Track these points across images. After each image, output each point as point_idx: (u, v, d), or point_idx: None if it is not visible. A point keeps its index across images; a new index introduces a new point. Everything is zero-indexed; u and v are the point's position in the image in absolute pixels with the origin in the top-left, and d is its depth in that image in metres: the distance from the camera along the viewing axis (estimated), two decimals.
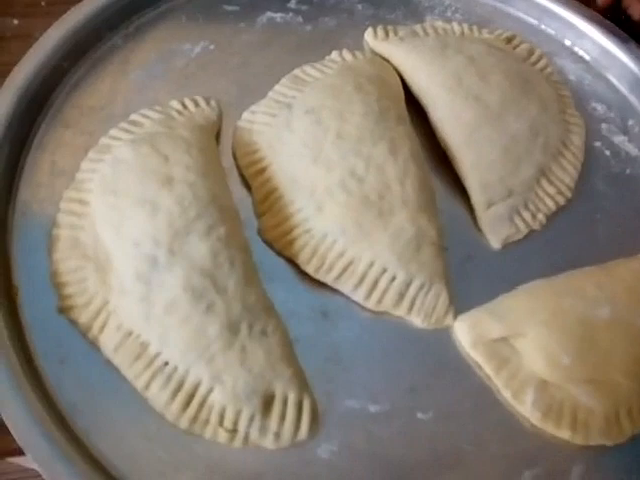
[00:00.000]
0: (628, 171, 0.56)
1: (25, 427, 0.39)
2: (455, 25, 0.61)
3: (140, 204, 0.43)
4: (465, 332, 0.45)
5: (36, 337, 0.43)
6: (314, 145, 0.49)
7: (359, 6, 0.62)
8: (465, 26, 0.61)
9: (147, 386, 0.41)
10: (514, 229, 0.50)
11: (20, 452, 0.40)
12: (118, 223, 0.44)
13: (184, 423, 0.40)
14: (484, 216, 0.50)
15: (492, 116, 0.52)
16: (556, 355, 0.43)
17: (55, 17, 0.55)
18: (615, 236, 0.52)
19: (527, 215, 0.51)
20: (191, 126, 0.49)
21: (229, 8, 0.60)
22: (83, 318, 0.43)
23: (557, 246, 0.51)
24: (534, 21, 0.63)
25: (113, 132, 0.50)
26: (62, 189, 0.48)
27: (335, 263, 0.46)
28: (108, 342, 0.42)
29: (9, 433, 0.39)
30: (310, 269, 0.46)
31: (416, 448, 0.42)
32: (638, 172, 0.56)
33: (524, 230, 0.50)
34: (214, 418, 0.40)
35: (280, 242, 0.47)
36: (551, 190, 0.52)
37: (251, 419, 0.40)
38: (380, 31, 0.59)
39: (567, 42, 0.63)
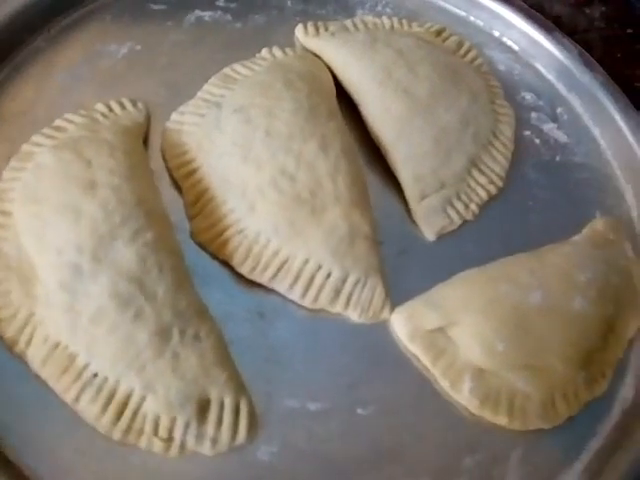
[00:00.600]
0: (558, 158, 0.57)
1: None
2: (385, 19, 0.61)
3: (62, 211, 0.42)
4: (402, 325, 0.46)
5: None
6: (244, 144, 0.48)
7: (289, 2, 0.62)
8: (395, 20, 0.61)
9: (77, 399, 0.40)
10: (447, 220, 0.50)
11: None
12: (41, 232, 0.42)
13: (117, 434, 0.39)
14: (418, 209, 0.50)
15: (422, 108, 0.52)
16: (491, 342, 0.43)
17: None
18: (547, 222, 0.53)
19: (460, 206, 0.51)
20: (116, 129, 0.48)
21: (156, 7, 0.59)
22: (9, 332, 0.41)
23: (490, 235, 0.51)
24: (463, 13, 0.64)
25: (35, 138, 0.48)
26: None
27: (270, 263, 0.46)
28: (35, 355, 0.41)
29: None
30: (245, 270, 0.46)
31: (357, 444, 0.42)
32: (568, 159, 0.57)
33: (457, 221, 0.51)
34: (148, 428, 0.39)
35: (213, 244, 0.47)
36: (483, 180, 0.52)
37: (186, 426, 0.40)
38: (310, 27, 0.59)
39: (496, 33, 0.63)
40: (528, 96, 0.60)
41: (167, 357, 0.40)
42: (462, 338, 0.44)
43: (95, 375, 0.40)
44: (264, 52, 0.56)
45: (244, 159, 0.48)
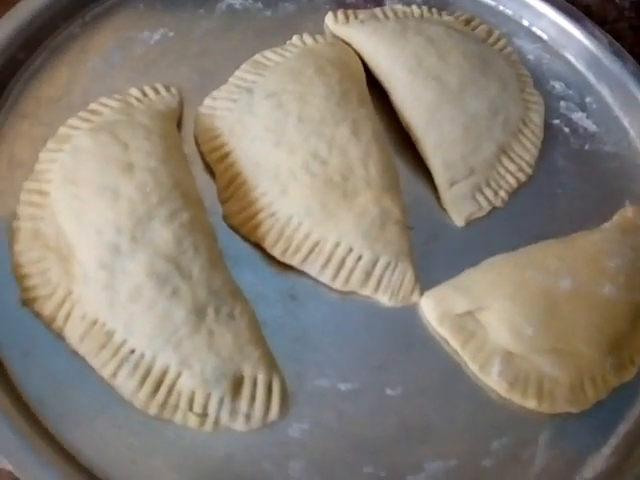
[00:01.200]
0: (587, 147, 0.57)
1: None
2: (415, 8, 0.61)
3: (101, 192, 0.43)
4: (431, 308, 0.46)
5: (0, 330, 0.42)
6: (276, 128, 0.49)
7: None
8: (424, 9, 0.61)
9: (114, 374, 0.40)
10: (477, 206, 0.51)
11: None
12: (79, 212, 0.43)
13: (153, 409, 0.40)
14: (447, 195, 0.51)
15: (452, 96, 0.52)
16: (520, 327, 0.44)
17: (8, 7, 0.54)
18: (575, 210, 0.53)
19: (489, 192, 0.51)
20: (151, 113, 0.49)
21: None
22: (47, 309, 0.42)
23: (519, 222, 0.51)
24: (492, 2, 0.64)
25: (72, 121, 0.49)
26: (22, 181, 0.47)
27: (301, 245, 0.46)
28: (73, 332, 0.41)
29: None
30: (276, 252, 0.46)
31: (386, 424, 0.43)
32: (597, 147, 0.57)
33: (486, 207, 0.51)
34: (183, 403, 0.40)
35: (245, 227, 0.47)
36: (512, 167, 0.52)
37: (221, 402, 0.40)
38: (340, 15, 0.59)
39: (525, 22, 0.63)
40: (557, 85, 0.60)
41: (203, 334, 0.41)
42: (491, 322, 0.45)
43: (132, 351, 0.41)
44: (295, 39, 0.57)
45: (276, 143, 0.48)
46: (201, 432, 0.40)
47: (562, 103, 0.59)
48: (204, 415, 0.40)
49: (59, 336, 0.42)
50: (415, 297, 0.47)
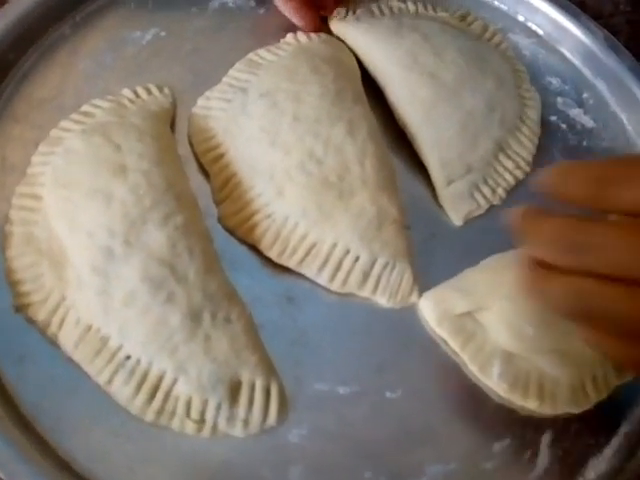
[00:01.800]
0: (585, 143, 0.56)
1: None
2: (410, 4, 0.60)
3: (93, 195, 0.42)
4: (430, 309, 0.45)
5: None
6: (271, 128, 0.48)
7: None
8: (420, 5, 0.60)
9: (110, 381, 0.40)
10: (475, 205, 0.50)
11: None
12: (72, 215, 0.42)
13: (150, 416, 0.39)
14: (444, 193, 0.50)
15: (448, 93, 0.52)
16: (520, 327, 0.43)
17: None
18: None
19: (487, 190, 0.51)
20: (144, 114, 0.48)
21: None
22: (41, 315, 0.42)
23: None
24: None
25: (64, 124, 0.48)
26: (14, 185, 0.46)
27: (298, 247, 0.46)
28: (67, 338, 0.41)
29: None
30: (273, 254, 0.46)
31: (386, 427, 0.42)
32: (595, 143, 0.57)
33: (484, 205, 0.50)
34: (180, 409, 0.40)
35: (241, 229, 0.47)
36: (509, 165, 0.52)
37: (218, 408, 0.40)
38: (340, 10, 0.58)
39: (520, 17, 0.63)
40: (554, 81, 0.60)
41: (199, 339, 0.40)
42: (491, 322, 0.44)
43: (128, 357, 0.40)
44: (289, 37, 0.56)
45: (272, 143, 0.48)
46: (199, 438, 0.40)
47: (559, 99, 0.59)
48: (201, 421, 0.40)
49: (53, 342, 0.41)
50: (414, 298, 0.46)
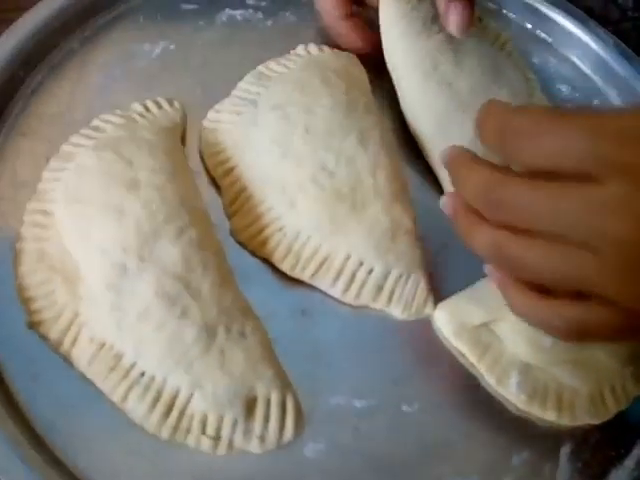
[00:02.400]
0: None
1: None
2: None
3: (106, 211, 0.42)
4: (446, 320, 0.45)
5: (5, 355, 0.41)
6: (282, 141, 0.48)
7: None
8: None
9: (124, 398, 0.39)
10: None
11: None
12: (84, 232, 0.42)
13: (165, 433, 0.39)
14: None
15: (462, 103, 0.51)
16: (537, 337, 0.43)
17: (7, 24, 0.53)
18: None
19: None
20: (155, 128, 0.48)
21: (187, 7, 0.59)
22: (54, 332, 0.41)
23: None
24: (495, 6, 0.63)
25: (74, 139, 0.48)
26: (25, 201, 0.46)
27: (311, 259, 0.45)
28: (81, 355, 0.41)
29: None
30: (285, 267, 0.46)
31: (404, 441, 0.42)
32: None
33: None
34: (196, 426, 0.39)
35: (253, 242, 0.46)
36: None
37: (234, 424, 0.39)
38: None
39: (528, 25, 0.63)
40: (564, 88, 0.59)
41: (214, 354, 0.40)
42: (507, 334, 0.44)
43: (142, 374, 0.40)
44: (299, 49, 0.56)
45: (283, 156, 0.47)
46: (215, 455, 0.39)
47: (569, 107, 0.58)
48: (217, 438, 0.39)
49: (67, 359, 0.41)
50: (428, 309, 0.46)
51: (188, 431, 0.39)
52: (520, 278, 0.36)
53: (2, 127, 0.50)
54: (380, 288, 0.45)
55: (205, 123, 0.51)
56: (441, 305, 0.46)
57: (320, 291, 0.46)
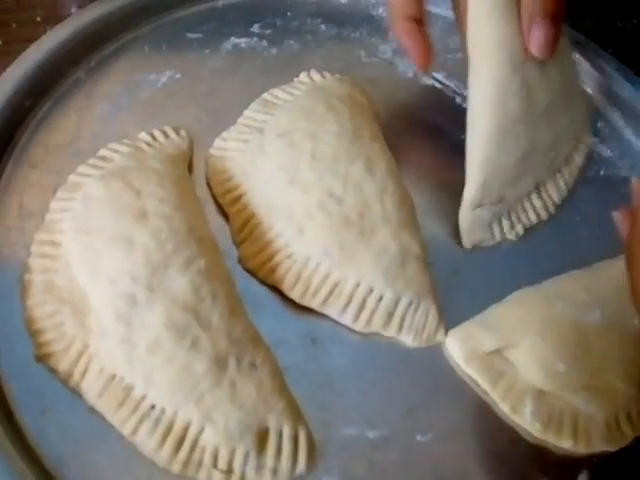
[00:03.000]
0: (602, 172, 0.56)
1: None
2: None
3: (114, 241, 0.42)
4: (457, 347, 0.45)
5: (14, 388, 0.40)
6: (289, 168, 0.48)
7: (322, 27, 0.62)
8: None
9: (135, 431, 0.39)
10: (489, 235, 0.50)
11: None
12: (93, 262, 0.42)
13: (176, 467, 0.38)
14: (467, 215, 0.49)
15: (533, 116, 0.48)
16: (551, 363, 0.42)
17: (14, 56, 0.54)
18: (596, 237, 0.52)
19: (506, 224, 0.50)
20: (162, 158, 0.48)
21: (192, 36, 0.60)
22: (63, 365, 0.41)
23: (541, 252, 0.50)
24: None
25: (82, 169, 0.48)
26: (32, 231, 0.46)
27: (320, 287, 0.45)
28: (91, 388, 0.40)
29: None
30: (295, 295, 0.45)
31: (418, 472, 0.41)
32: (612, 173, 0.57)
33: (498, 238, 0.50)
34: (207, 459, 0.39)
35: (262, 270, 0.46)
36: (538, 203, 0.52)
37: (246, 457, 0.39)
38: None
39: None
40: None
41: (225, 386, 0.39)
42: (521, 360, 0.43)
43: (153, 407, 0.39)
44: (302, 76, 0.56)
45: (290, 183, 0.47)
46: None
47: None
48: (229, 471, 0.38)
49: (76, 392, 0.41)
50: (440, 336, 0.45)
51: (200, 465, 0.38)
52: None
53: (9, 157, 0.50)
54: (391, 315, 0.45)
55: (212, 151, 0.52)
56: (452, 332, 0.45)
57: (330, 319, 0.45)
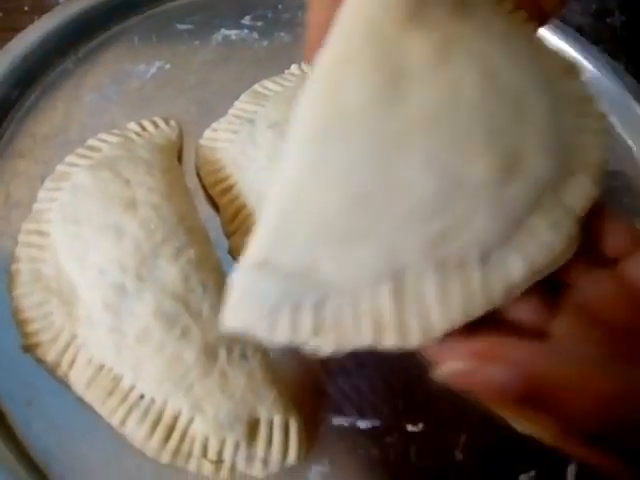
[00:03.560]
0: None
1: None
2: None
3: (103, 230, 0.42)
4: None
5: (0, 379, 0.40)
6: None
7: None
8: None
9: (123, 422, 0.38)
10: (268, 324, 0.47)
11: None
12: (81, 252, 0.42)
13: (166, 457, 0.38)
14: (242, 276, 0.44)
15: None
16: None
17: (0, 45, 0.53)
18: None
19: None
20: (151, 147, 0.48)
21: (183, 27, 0.59)
22: (50, 355, 0.40)
23: None
24: None
25: (70, 159, 0.48)
26: (19, 221, 0.46)
27: None
28: (79, 378, 0.40)
29: None
30: None
31: (409, 463, 0.41)
32: (614, 185, 0.56)
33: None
34: (197, 450, 0.38)
35: None
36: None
37: (236, 447, 0.38)
38: None
39: None
40: None
41: (215, 376, 0.39)
42: None
43: (142, 397, 0.39)
44: (293, 68, 0.56)
45: None
46: None
47: None
48: (219, 462, 0.38)
49: (64, 383, 0.40)
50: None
51: (189, 455, 0.38)
52: None
53: None
54: None
55: (202, 141, 0.51)
56: None
57: None
